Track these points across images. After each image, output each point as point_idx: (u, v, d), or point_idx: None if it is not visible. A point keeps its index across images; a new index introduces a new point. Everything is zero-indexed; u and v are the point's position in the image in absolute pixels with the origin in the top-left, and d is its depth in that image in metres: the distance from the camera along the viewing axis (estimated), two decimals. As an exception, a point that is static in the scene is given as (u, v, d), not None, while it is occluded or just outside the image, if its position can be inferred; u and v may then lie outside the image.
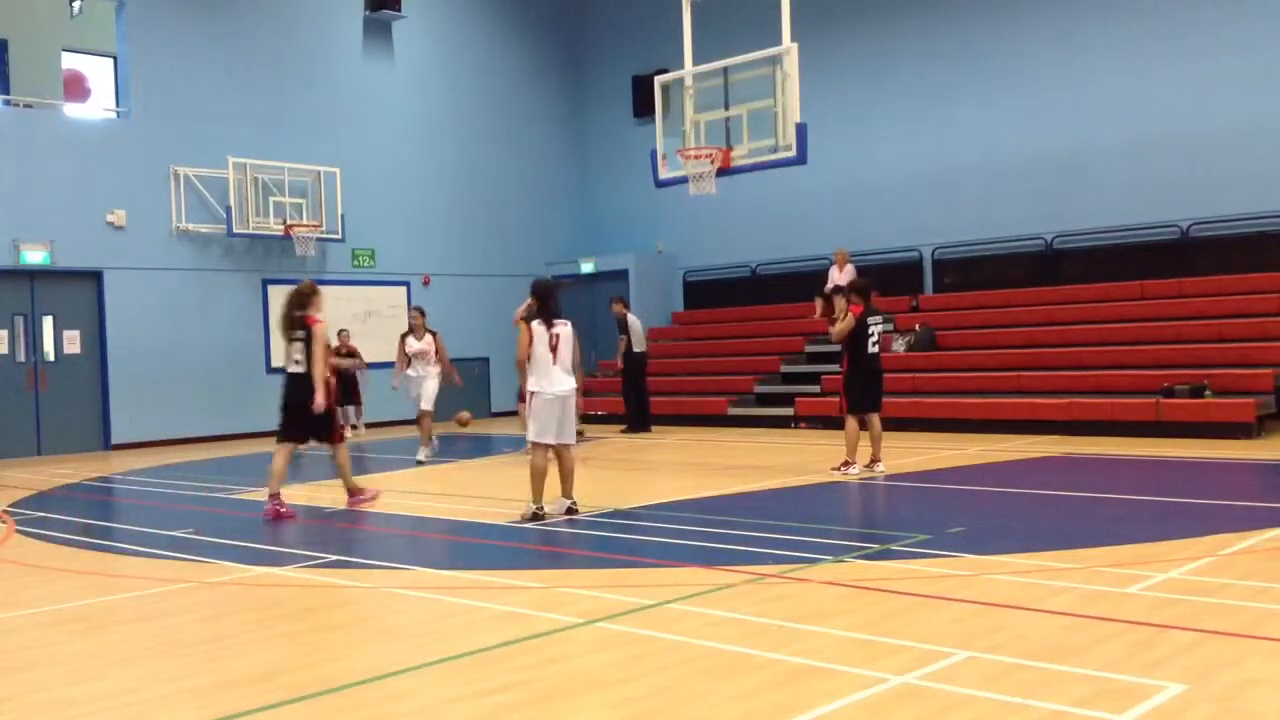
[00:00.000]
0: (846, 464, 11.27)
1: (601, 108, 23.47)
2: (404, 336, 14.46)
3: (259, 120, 19.29)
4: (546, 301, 9.13)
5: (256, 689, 4.89)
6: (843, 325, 11.18)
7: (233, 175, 18.62)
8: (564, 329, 8.99)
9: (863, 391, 11.28)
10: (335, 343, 17.04)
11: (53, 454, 17.06)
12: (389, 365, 16.23)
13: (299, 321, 9.76)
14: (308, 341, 9.64)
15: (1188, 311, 15.48)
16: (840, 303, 11.42)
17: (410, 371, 14.25)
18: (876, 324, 11.40)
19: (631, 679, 4.82)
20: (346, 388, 18.00)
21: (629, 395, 17.70)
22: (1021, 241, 17.83)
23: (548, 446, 9.14)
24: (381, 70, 21.08)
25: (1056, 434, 14.09)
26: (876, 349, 11.37)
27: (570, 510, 9.21)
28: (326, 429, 9.87)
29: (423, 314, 14.57)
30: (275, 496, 9.79)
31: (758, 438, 15.90)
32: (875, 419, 11.31)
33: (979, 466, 11.78)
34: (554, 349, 8.98)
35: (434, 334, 14.38)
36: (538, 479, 9.09)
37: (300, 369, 9.69)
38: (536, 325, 8.98)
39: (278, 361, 18.26)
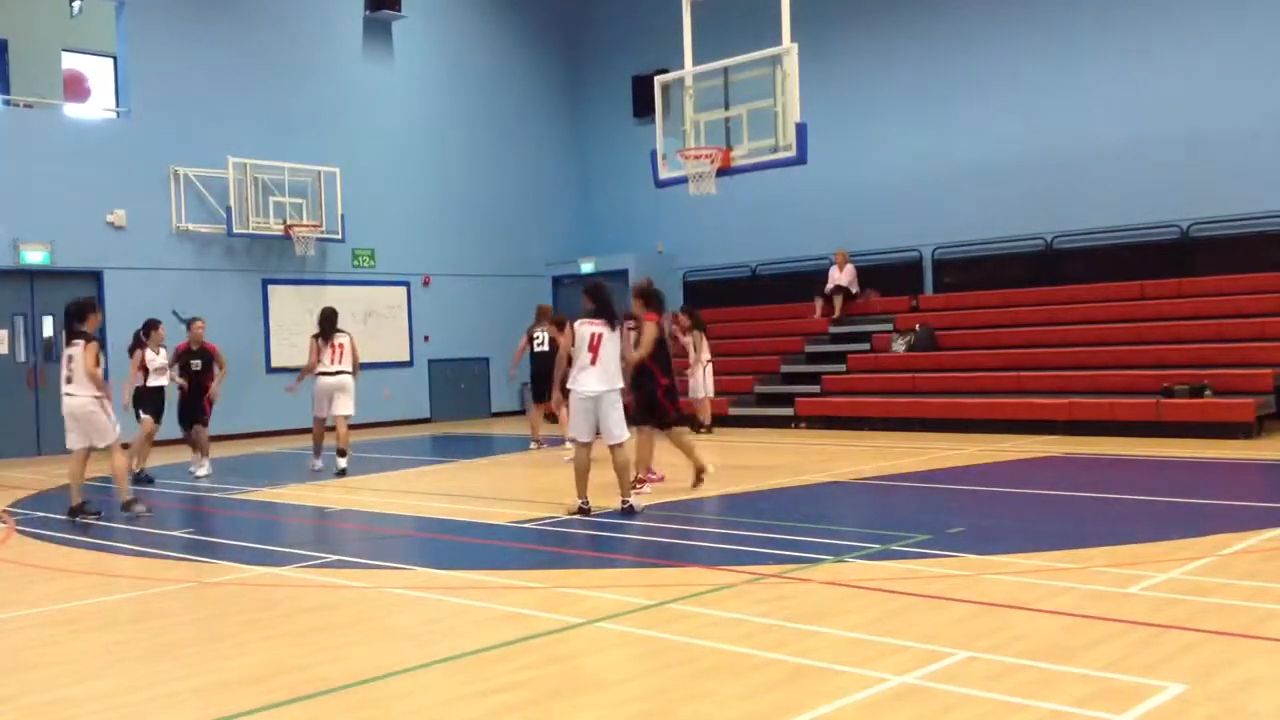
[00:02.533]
0: (642, 481, 10.44)
1: (601, 108, 23.46)
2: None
3: (259, 120, 19.29)
4: (598, 303, 9.25)
5: (256, 689, 4.89)
6: (649, 336, 10.14)
7: (233, 175, 18.62)
8: (606, 329, 9.10)
9: (675, 401, 10.86)
10: (185, 339, 13.66)
11: (53, 454, 17.02)
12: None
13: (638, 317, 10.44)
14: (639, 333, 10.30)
15: (1188, 311, 15.47)
16: (639, 306, 10.50)
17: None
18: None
19: (631, 679, 4.82)
20: (193, 395, 13.37)
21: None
22: (1021, 241, 17.83)
23: (587, 444, 9.31)
24: (381, 70, 21.08)
25: (1056, 434, 14.09)
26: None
27: (626, 509, 9.23)
28: (657, 415, 10.47)
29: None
30: (648, 469, 10.60)
31: (758, 438, 15.89)
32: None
33: (979, 466, 11.77)
34: (594, 349, 9.09)
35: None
36: (579, 476, 9.29)
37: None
38: (579, 325, 9.18)
39: (278, 362, 18.34)
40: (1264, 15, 15.63)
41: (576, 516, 9.20)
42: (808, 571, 6.80)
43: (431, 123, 21.67)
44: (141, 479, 12.66)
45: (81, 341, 9.95)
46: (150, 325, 13.23)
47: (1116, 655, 4.85)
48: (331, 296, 19.94)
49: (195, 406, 13.42)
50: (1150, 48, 16.55)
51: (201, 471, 13.28)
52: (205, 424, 13.47)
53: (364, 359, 19.57)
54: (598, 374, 9.10)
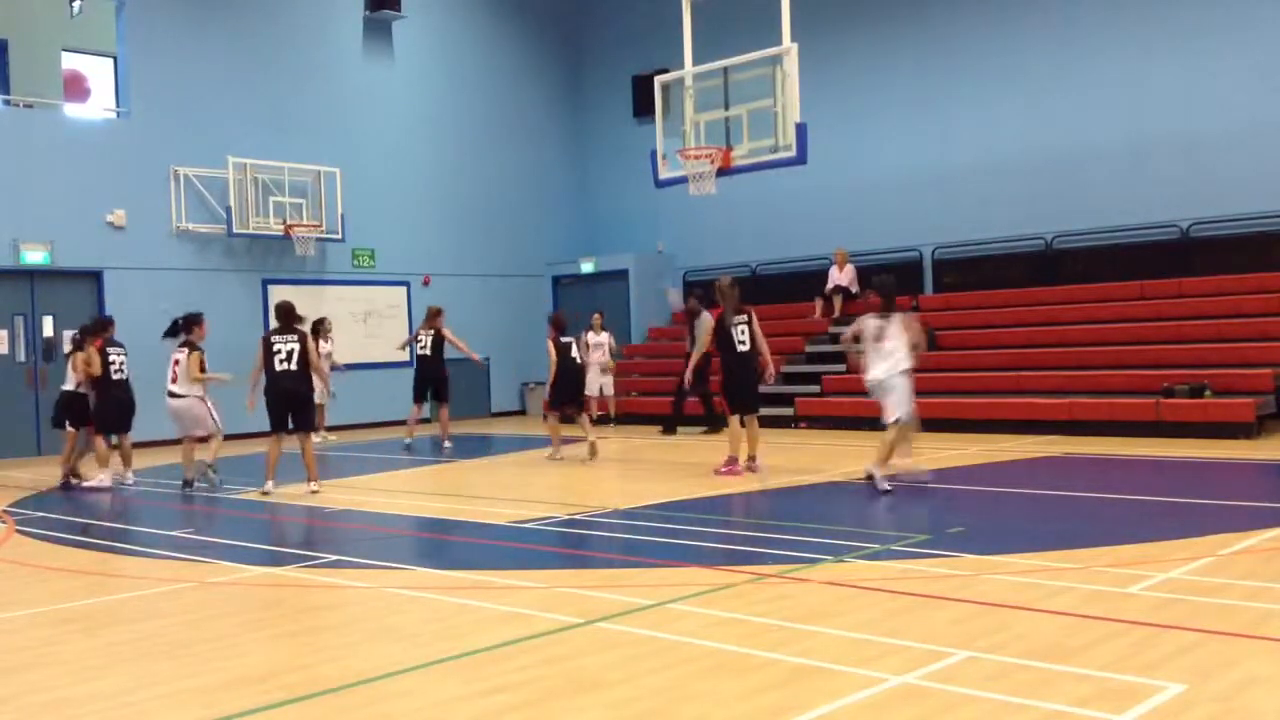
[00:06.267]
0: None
1: (601, 108, 23.46)
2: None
3: (259, 120, 19.28)
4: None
5: (256, 689, 4.89)
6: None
7: (233, 175, 18.61)
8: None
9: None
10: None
11: (53, 454, 16.97)
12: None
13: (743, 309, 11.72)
14: (750, 325, 11.62)
15: (1188, 311, 15.47)
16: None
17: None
18: None
19: (631, 679, 4.82)
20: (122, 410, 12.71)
21: (704, 395, 16.15)
22: (1021, 241, 17.83)
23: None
24: (381, 70, 21.07)
25: (1056, 434, 14.09)
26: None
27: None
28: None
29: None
30: (734, 460, 11.57)
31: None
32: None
33: (979, 466, 11.78)
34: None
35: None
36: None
37: (746, 348, 11.56)
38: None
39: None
40: (1264, 15, 15.63)
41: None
42: (808, 571, 6.80)
43: (431, 123, 21.66)
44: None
45: (186, 349, 11.94)
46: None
47: (1116, 655, 4.85)
48: (331, 296, 20.01)
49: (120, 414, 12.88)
50: (1150, 47, 16.55)
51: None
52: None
53: (363, 359, 19.74)
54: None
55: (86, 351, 12.44)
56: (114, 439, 12.71)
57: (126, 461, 12.82)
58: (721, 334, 11.51)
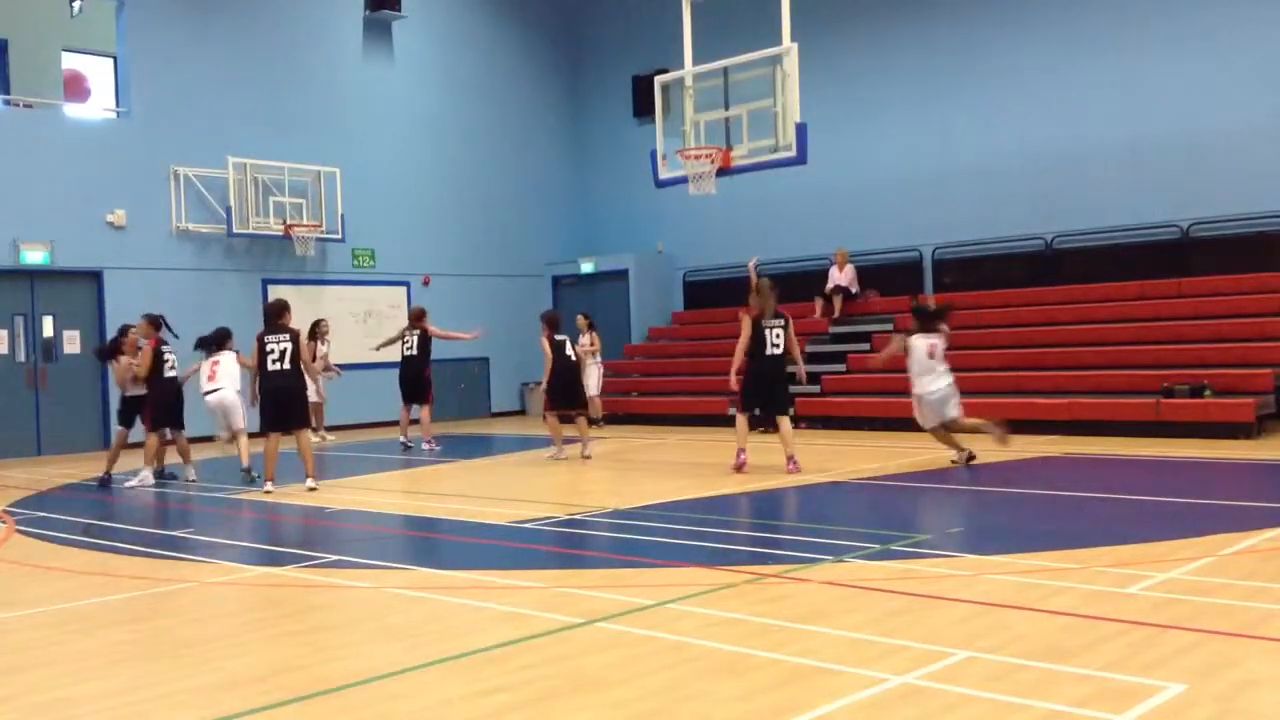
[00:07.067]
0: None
1: (601, 108, 23.46)
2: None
3: (259, 120, 19.28)
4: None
5: (256, 689, 4.89)
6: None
7: (233, 175, 18.61)
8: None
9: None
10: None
11: (53, 454, 17.05)
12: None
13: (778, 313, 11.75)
14: (786, 329, 11.64)
15: (1187, 311, 15.47)
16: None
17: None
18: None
19: (631, 679, 4.82)
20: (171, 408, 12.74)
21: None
22: (1021, 241, 17.83)
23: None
24: (381, 70, 21.08)
25: (1056, 434, 14.08)
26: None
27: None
28: (784, 404, 11.85)
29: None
30: (741, 451, 11.67)
31: (757, 438, 15.86)
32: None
33: (979, 466, 11.76)
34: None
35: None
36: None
37: (779, 351, 11.61)
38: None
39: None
40: (1263, 15, 15.63)
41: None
42: (808, 571, 6.80)
43: (431, 123, 21.66)
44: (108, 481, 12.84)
45: (233, 352, 12.46)
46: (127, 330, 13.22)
47: (1116, 655, 4.85)
48: (331, 296, 20.02)
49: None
50: (1150, 47, 16.55)
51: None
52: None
53: (363, 359, 19.75)
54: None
55: (141, 351, 12.57)
56: (167, 435, 12.89)
57: (185, 456, 12.97)
58: (756, 335, 11.55)
